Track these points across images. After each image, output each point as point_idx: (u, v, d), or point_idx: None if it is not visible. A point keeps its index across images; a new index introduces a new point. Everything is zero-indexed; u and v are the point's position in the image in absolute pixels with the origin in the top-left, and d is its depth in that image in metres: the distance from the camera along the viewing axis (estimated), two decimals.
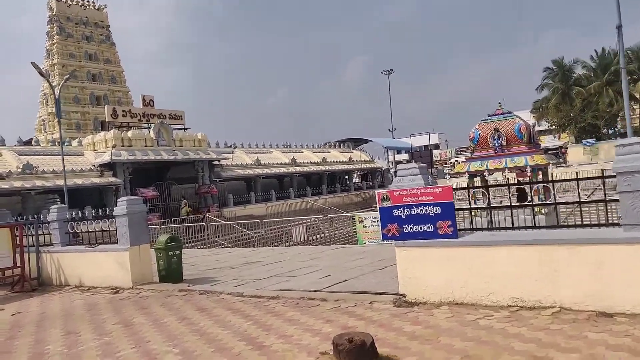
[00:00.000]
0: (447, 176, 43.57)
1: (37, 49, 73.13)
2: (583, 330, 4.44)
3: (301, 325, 5.44)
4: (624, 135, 51.73)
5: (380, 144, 60.91)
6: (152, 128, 28.65)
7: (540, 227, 5.62)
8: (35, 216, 13.13)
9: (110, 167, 25.96)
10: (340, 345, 3.83)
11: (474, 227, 5.81)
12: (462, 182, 17.15)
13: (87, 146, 27.95)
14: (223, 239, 20.53)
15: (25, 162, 23.27)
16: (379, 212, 6.10)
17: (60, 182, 20.89)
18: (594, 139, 45.64)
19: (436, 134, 78.68)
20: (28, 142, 28.92)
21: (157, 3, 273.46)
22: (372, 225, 15.54)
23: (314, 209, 32.22)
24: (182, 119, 31.03)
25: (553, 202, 5.46)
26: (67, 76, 22.92)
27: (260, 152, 37.75)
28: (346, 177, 45.29)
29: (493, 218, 5.75)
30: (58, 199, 21.06)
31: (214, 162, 31.33)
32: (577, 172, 13.47)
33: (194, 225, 20.59)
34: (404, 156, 68.92)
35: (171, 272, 9.01)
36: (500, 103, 14.28)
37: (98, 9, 43.75)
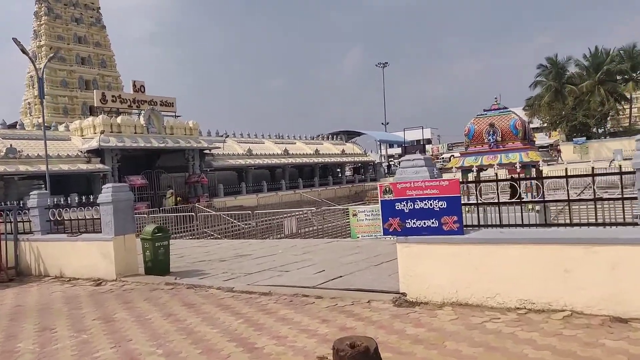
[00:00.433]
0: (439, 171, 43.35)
1: (26, 30, 71.32)
2: (599, 337, 4.15)
3: (296, 325, 5.08)
4: (613, 134, 52.16)
5: (373, 137, 60.74)
6: (142, 114, 27.92)
7: (550, 224, 5.31)
8: (17, 202, 12.54)
9: (98, 153, 25.28)
10: (341, 351, 3.46)
11: (481, 223, 5.47)
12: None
13: (75, 131, 27.15)
14: (212, 230, 20.08)
15: (9, 146, 22.51)
16: (380, 205, 5.74)
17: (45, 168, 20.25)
18: (585, 138, 45.80)
19: (429, 129, 78.52)
20: (13, 126, 27.90)
21: None
22: (366, 219, 15.22)
23: (305, 201, 31.85)
24: (173, 106, 30.34)
25: (567, 199, 5.14)
26: (52, 55, 22.02)
27: (252, 142, 37.24)
28: (338, 169, 45.00)
29: (501, 214, 5.40)
30: (43, 185, 20.31)
31: (205, 151, 30.77)
32: (583, 170, 13.23)
33: (183, 215, 20.10)
34: (397, 150, 68.85)
35: (158, 264, 8.66)
36: (496, 98, 13.94)
37: None
